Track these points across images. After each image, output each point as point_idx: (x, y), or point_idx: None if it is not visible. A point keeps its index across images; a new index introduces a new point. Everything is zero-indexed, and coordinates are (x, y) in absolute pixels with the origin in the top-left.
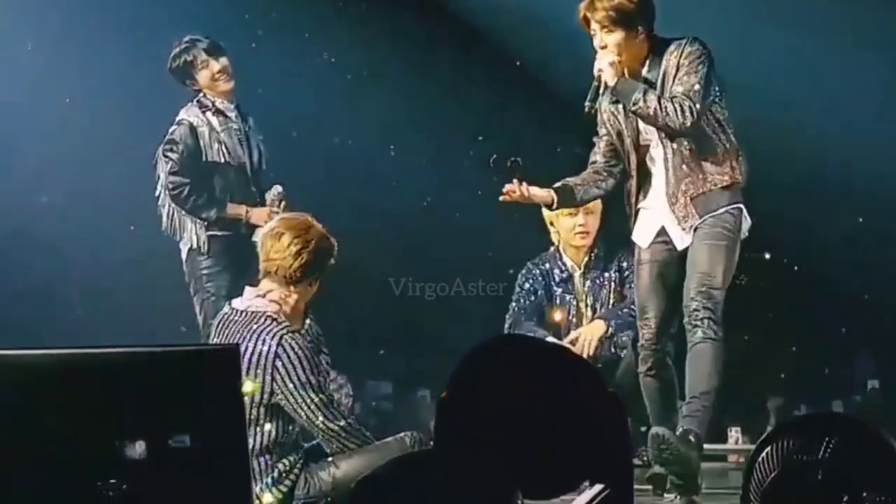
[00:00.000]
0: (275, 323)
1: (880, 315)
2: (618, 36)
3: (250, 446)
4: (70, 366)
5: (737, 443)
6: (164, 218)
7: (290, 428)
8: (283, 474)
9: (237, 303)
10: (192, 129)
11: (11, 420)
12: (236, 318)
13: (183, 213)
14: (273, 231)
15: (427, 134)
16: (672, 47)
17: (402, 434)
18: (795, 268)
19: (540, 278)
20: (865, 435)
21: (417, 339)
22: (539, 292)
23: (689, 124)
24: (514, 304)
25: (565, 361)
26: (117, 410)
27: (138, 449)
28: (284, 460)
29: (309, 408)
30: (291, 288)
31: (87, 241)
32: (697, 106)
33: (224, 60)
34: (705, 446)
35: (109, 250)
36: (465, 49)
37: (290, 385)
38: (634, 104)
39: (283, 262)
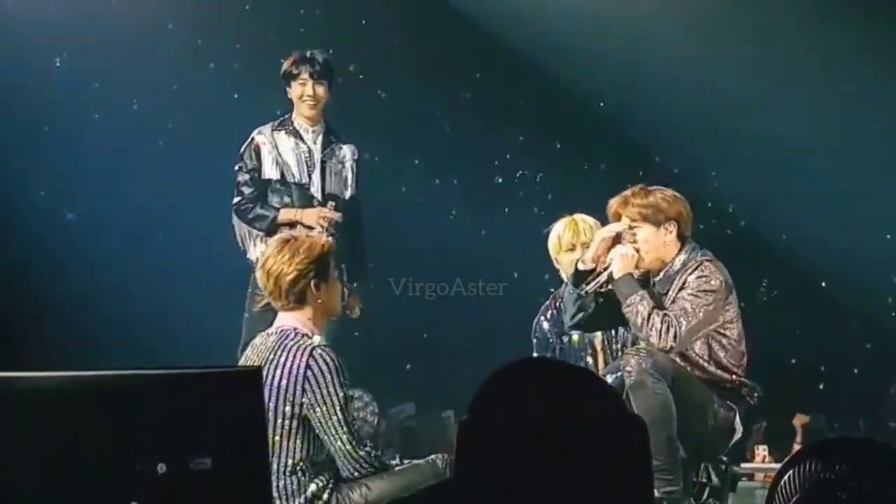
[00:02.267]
0: (305, 338)
1: None
2: (646, 232)
3: (283, 463)
4: (91, 388)
5: (763, 461)
6: (236, 233)
7: (321, 444)
8: (315, 495)
9: (269, 329)
10: (257, 148)
11: (32, 442)
12: (266, 340)
13: (244, 226)
14: (263, 258)
15: (428, 135)
16: (687, 265)
17: (433, 456)
18: (823, 284)
19: (548, 328)
20: (889, 458)
21: (437, 355)
22: (551, 341)
23: (667, 348)
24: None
25: (589, 384)
26: (138, 433)
27: (159, 471)
28: (317, 480)
29: (334, 425)
30: (307, 305)
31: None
32: (682, 332)
33: (322, 89)
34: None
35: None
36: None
37: (319, 397)
38: (628, 306)
39: (281, 272)
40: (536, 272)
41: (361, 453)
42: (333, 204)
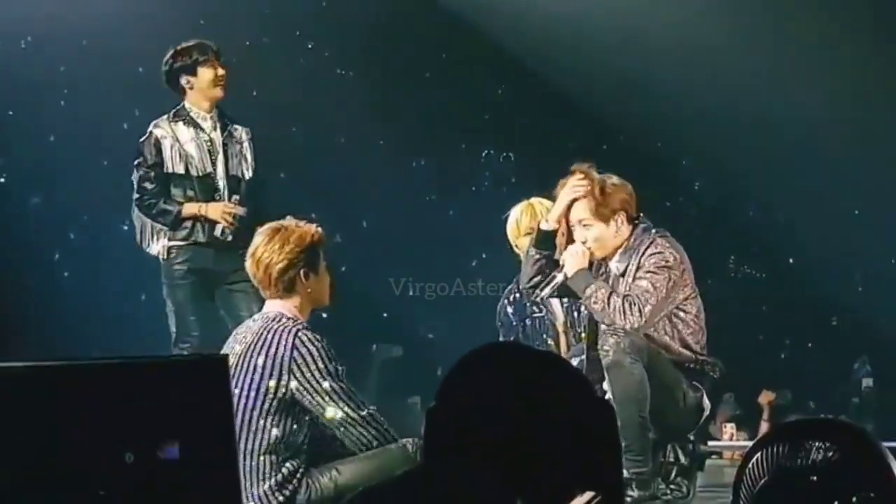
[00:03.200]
0: (290, 321)
1: (872, 310)
2: (597, 230)
3: (258, 441)
4: (56, 377)
5: (731, 438)
6: (137, 229)
7: (297, 427)
8: (286, 478)
9: (254, 316)
10: (157, 141)
11: None
12: (252, 325)
13: (148, 222)
14: (253, 247)
15: (428, 136)
16: (640, 245)
17: (404, 441)
18: (790, 260)
19: (511, 311)
20: (855, 439)
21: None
22: (514, 324)
23: (635, 325)
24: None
25: (555, 369)
26: (105, 422)
27: (126, 461)
28: (288, 464)
29: (331, 397)
30: (295, 294)
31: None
32: (645, 309)
33: (224, 71)
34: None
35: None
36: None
37: (310, 376)
38: (587, 298)
39: (270, 261)
40: None
41: (361, 415)
42: (237, 198)
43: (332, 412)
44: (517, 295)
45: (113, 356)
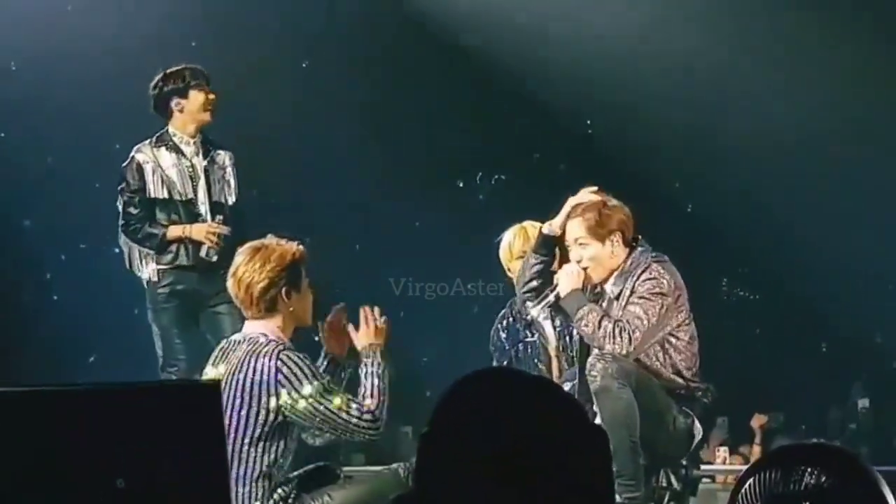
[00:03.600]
0: (273, 343)
1: (865, 332)
2: (593, 249)
3: (250, 468)
4: (48, 402)
5: (724, 462)
6: (125, 254)
7: (286, 449)
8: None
9: (235, 336)
10: (139, 167)
11: None
12: (233, 347)
13: (135, 246)
14: (233, 267)
15: (423, 158)
16: (636, 269)
17: (395, 465)
18: (784, 282)
19: (504, 336)
20: (847, 464)
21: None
22: (507, 349)
23: (624, 352)
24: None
25: (548, 393)
26: (97, 447)
27: (118, 486)
28: (280, 489)
29: (322, 410)
30: (277, 314)
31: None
32: (635, 336)
33: (212, 95)
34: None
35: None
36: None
37: (297, 395)
38: (578, 319)
39: (251, 280)
40: None
41: (354, 407)
42: (221, 217)
43: (330, 421)
44: (510, 320)
45: (105, 382)
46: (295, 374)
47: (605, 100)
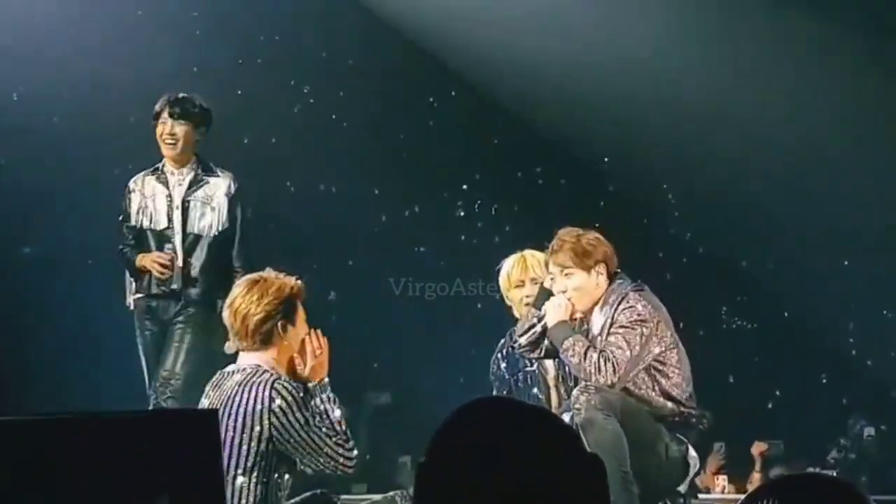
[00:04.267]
0: (267, 374)
1: (864, 360)
2: (578, 279)
3: (246, 498)
4: (45, 431)
5: (723, 491)
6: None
7: (278, 480)
8: None
9: (229, 367)
10: (129, 194)
11: None
12: (226, 378)
13: (126, 273)
14: (230, 298)
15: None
16: (615, 300)
17: (392, 493)
18: (786, 314)
19: (504, 366)
20: (844, 494)
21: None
22: (507, 378)
23: (609, 383)
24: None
25: (546, 423)
26: (95, 475)
27: None
28: None
29: (311, 442)
30: (272, 346)
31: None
32: (619, 367)
33: (182, 129)
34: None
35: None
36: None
37: (289, 426)
38: (564, 350)
39: (248, 312)
40: None
41: (343, 440)
42: (170, 247)
43: (316, 454)
44: (510, 349)
45: (101, 410)
46: (288, 404)
47: (604, 130)
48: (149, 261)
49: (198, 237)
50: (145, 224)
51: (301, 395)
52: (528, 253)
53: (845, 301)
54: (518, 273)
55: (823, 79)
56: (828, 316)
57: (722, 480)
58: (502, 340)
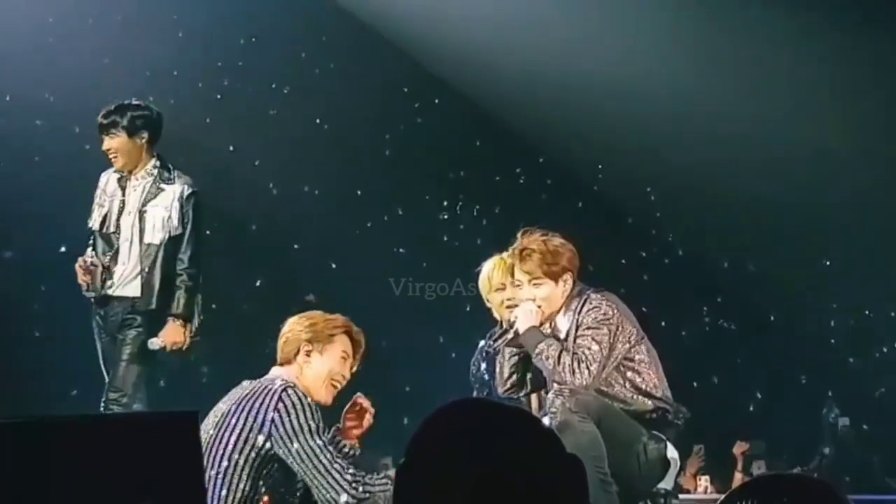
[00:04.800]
0: (281, 381)
1: (845, 360)
2: (547, 289)
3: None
4: (26, 433)
5: (706, 491)
6: None
7: (277, 481)
8: None
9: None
10: (97, 190)
11: None
12: (247, 384)
13: None
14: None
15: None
16: (577, 304)
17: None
18: (771, 316)
19: (485, 367)
20: (823, 494)
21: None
22: (487, 380)
23: (584, 384)
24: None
25: (526, 424)
26: (75, 477)
27: None
28: None
29: (307, 454)
30: (295, 365)
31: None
32: (593, 367)
33: (116, 141)
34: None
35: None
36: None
37: (289, 428)
38: (537, 354)
39: (286, 331)
40: None
41: (347, 476)
42: (92, 252)
43: (311, 470)
44: (490, 351)
45: (83, 413)
46: (293, 410)
47: (588, 132)
48: (77, 265)
49: (149, 245)
50: (95, 226)
51: (310, 403)
52: (507, 255)
53: (827, 301)
54: (499, 276)
55: (810, 83)
56: (809, 316)
57: (704, 481)
58: (482, 342)
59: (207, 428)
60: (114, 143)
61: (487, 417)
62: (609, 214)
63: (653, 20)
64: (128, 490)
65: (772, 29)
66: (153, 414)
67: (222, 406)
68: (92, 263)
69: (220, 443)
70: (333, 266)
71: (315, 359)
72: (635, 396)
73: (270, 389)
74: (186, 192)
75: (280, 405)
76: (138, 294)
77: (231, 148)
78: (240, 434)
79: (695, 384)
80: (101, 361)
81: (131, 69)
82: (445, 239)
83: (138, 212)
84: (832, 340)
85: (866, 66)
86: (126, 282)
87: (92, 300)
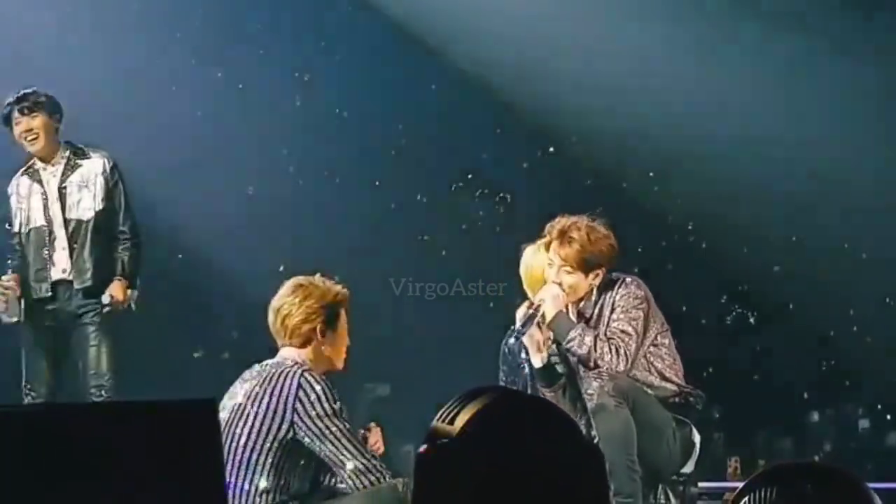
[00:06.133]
0: (296, 365)
1: (865, 348)
2: (575, 278)
3: (256, 483)
4: (36, 420)
5: (735, 472)
6: None
7: (300, 469)
8: None
9: (268, 360)
10: (9, 199)
11: None
12: (263, 367)
13: None
14: (275, 298)
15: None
16: (616, 286)
17: (394, 481)
18: (790, 306)
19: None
20: (843, 482)
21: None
22: (520, 364)
23: (622, 369)
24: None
25: (546, 413)
26: (88, 466)
27: None
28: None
29: (335, 436)
30: (310, 348)
31: None
32: (630, 351)
33: (39, 121)
34: (701, 484)
35: None
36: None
37: (314, 415)
38: (570, 341)
39: (288, 313)
40: None
41: (374, 462)
42: (46, 248)
43: (337, 455)
44: (519, 336)
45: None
46: (315, 394)
47: (608, 123)
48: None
49: (80, 222)
50: (23, 229)
51: (329, 387)
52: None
53: (847, 289)
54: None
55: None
56: (830, 304)
57: (735, 462)
58: (512, 327)
59: (223, 415)
60: (35, 122)
61: (506, 405)
62: (629, 205)
63: (678, 14)
64: (144, 479)
65: (797, 22)
66: (169, 402)
67: (238, 391)
68: (6, 288)
69: (238, 433)
70: (358, 248)
71: (329, 337)
72: (659, 381)
73: (288, 374)
74: (108, 166)
75: (300, 392)
76: (83, 275)
77: (246, 130)
78: (261, 424)
79: (715, 372)
80: (30, 354)
81: (144, 57)
82: (446, 239)
83: (58, 190)
84: (854, 328)
85: None
86: (69, 264)
87: (16, 321)
